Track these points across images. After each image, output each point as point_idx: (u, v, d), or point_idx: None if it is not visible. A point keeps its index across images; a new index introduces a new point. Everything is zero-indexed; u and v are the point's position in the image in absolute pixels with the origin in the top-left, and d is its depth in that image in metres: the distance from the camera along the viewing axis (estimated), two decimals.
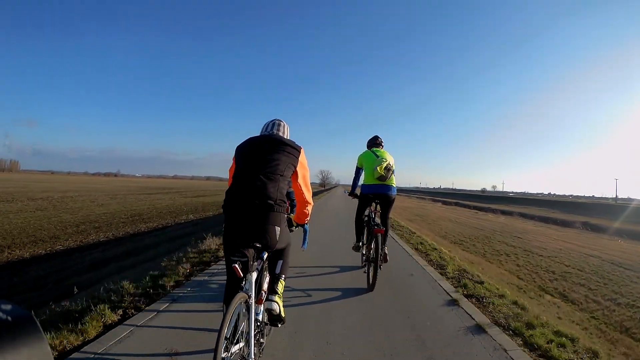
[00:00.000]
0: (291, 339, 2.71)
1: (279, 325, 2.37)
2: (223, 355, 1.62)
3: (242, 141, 2.33)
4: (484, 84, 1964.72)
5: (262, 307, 2.13)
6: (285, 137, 2.40)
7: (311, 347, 2.61)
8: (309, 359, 2.44)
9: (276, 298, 2.22)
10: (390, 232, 6.27)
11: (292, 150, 2.25)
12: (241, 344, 1.85)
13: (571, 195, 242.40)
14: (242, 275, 1.89)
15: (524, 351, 2.77)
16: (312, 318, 3.13)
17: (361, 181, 4.74)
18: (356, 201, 4.84)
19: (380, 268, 4.10)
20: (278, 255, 2.32)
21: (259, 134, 2.42)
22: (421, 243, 8.12)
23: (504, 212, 40.04)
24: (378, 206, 4.60)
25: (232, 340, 1.75)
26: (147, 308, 3.22)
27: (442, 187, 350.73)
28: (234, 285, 2.01)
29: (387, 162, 4.31)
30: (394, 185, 4.48)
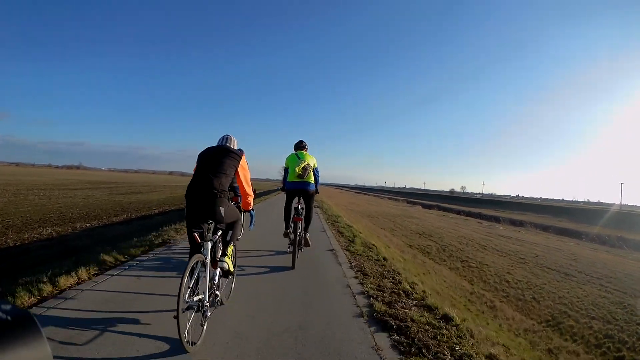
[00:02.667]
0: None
1: (230, 277, 3.38)
2: (187, 301, 2.39)
3: (203, 149, 3.24)
4: (458, 94, 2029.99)
5: (217, 271, 2.91)
6: (232, 147, 3.35)
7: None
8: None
9: (226, 259, 3.08)
10: None
11: (235, 156, 3.15)
12: (200, 296, 2.57)
13: (540, 198, 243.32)
14: (200, 241, 2.68)
15: None
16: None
17: None
18: None
19: (301, 250, 5.32)
20: (229, 227, 3.19)
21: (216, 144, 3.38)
22: None
23: (513, 222, 32.71)
24: (301, 198, 5.43)
25: (194, 291, 2.53)
26: None
27: (407, 187, 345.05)
28: (194, 251, 2.80)
29: (305, 163, 5.25)
30: (312, 182, 5.35)
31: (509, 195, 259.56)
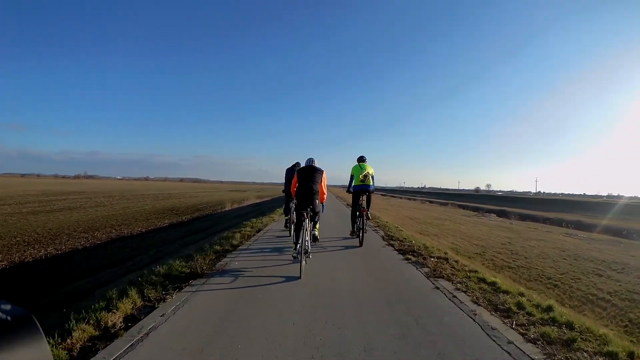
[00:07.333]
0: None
1: (316, 242, 6.53)
2: (300, 250, 5.01)
3: (300, 167, 6.18)
4: (469, 95, 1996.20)
5: (311, 234, 5.78)
6: (317, 165, 5.98)
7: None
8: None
9: (316, 230, 6.25)
10: None
11: (320, 171, 5.87)
12: (305, 246, 5.14)
13: (561, 194, 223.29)
14: (305, 217, 5.31)
15: None
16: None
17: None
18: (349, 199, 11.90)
19: (365, 232, 7.71)
20: (316, 214, 5.88)
21: (304, 165, 6.07)
22: None
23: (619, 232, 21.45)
24: (364, 196, 7.99)
25: (301, 244, 5.05)
26: None
27: (426, 187, 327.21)
28: (299, 222, 5.38)
29: (366, 171, 7.95)
30: (371, 184, 8.03)
31: (530, 192, 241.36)
